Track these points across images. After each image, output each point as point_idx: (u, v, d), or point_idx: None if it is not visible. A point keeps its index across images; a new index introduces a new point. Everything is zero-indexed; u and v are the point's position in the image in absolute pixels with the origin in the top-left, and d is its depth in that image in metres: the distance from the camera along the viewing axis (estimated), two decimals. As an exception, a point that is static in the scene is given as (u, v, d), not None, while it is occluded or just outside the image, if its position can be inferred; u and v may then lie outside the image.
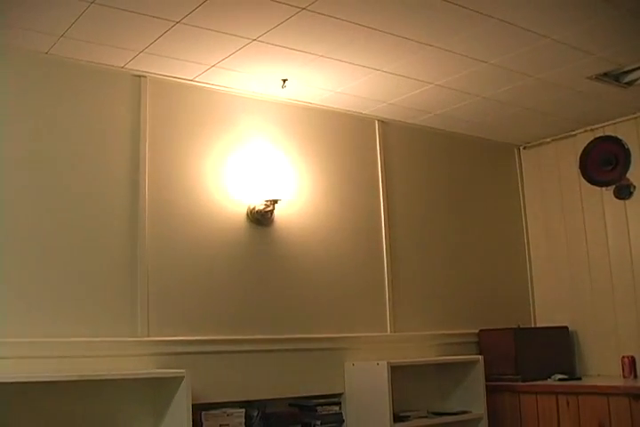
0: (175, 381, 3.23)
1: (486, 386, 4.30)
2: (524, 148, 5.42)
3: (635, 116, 4.71)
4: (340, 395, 4.05)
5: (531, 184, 5.37)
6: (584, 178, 4.96)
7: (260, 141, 4.07)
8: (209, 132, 3.91)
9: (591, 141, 4.95)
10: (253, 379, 3.75)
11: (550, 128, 5.02)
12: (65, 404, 3.14)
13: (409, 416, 3.99)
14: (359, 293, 4.32)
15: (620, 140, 4.78)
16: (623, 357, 4.44)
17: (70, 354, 3.18)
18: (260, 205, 3.93)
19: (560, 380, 4.41)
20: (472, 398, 4.29)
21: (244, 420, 3.57)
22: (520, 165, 5.43)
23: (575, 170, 5.01)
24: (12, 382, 2.87)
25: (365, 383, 3.94)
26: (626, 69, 3.99)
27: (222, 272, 3.80)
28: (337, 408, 3.99)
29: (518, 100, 4.39)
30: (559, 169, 5.17)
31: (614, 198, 4.78)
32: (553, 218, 5.17)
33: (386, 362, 3.84)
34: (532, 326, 5.14)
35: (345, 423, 3.99)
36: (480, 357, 4.38)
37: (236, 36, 3.34)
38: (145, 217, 3.59)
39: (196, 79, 3.85)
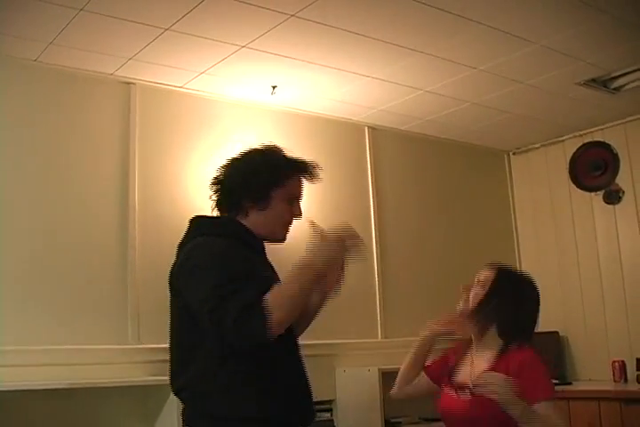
0: (166, 388, 3.16)
1: (477, 392, 4.29)
2: (514, 153, 5.44)
3: (623, 121, 4.72)
4: (331, 401, 4.03)
5: (520, 189, 5.38)
6: (573, 183, 4.98)
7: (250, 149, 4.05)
8: (198, 139, 3.90)
9: (580, 147, 4.97)
10: (244, 386, 3.73)
11: (540, 134, 5.04)
12: (55, 412, 3.12)
13: (400, 422, 3.99)
14: (350, 299, 4.28)
15: (609, 146, 4.80)
16: (614, 361, 4.44)
17: (61, 362, 3.17)
18: (250, 212, 3.91)
19: (551, 385, 4.41)
20: (463, 404, 4.27)
21: (234, 427, 3.55)
22: (510, 170, 5.45)
23: (565, 175, 5.03)
24: (2, 391, 2.84)
25: (356, 390, 3.94)
26: (614, 75, 4.02)
27: (213, 279, 3.78)
28: (328, 415, 3.97)
29: (508, 106, 4.40)
30: (549, 174, 5.18)
31: (604, 203, 4.80)
32: (543, 223, 5.18)
33: (377, 368, 3.84)
34: (523, 331, 5.12)
35: (336, 430, 3.99)
36: (471, 362, 4.37)
37: (225, 42, 3.34)
38: (135, 225, 3.59)
39: (186, 86, 3.85)
